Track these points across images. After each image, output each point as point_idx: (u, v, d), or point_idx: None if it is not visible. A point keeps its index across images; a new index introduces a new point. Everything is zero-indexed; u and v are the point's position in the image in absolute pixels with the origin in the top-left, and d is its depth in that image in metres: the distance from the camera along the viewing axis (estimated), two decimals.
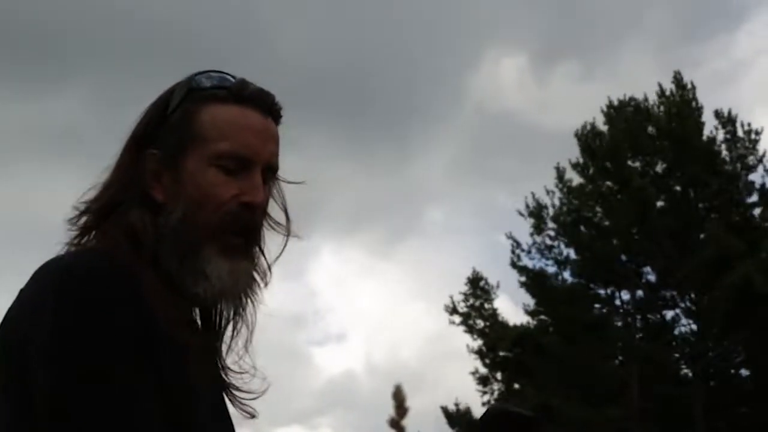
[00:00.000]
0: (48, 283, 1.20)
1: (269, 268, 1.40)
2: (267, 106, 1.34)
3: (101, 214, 1.31)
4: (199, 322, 1.38)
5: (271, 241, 1.40)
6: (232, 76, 1.36)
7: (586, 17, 33.92)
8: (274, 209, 1.40)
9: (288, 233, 1.40)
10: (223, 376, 1.39)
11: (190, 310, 1.34)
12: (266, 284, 1.39)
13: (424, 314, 34.34)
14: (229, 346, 1.39)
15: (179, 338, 1.22)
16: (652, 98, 21.24)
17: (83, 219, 1.32)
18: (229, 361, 1.39)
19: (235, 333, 1.38)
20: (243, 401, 1.40)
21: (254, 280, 1.37)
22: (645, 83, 27.52)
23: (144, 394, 1.16)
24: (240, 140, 1.30)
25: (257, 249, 1.37)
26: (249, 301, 1.38)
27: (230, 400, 1.40)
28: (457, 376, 30.85)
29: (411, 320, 34.05)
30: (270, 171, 1.34)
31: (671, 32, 33.00)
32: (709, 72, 30.63)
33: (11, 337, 1.21)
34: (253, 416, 1.42)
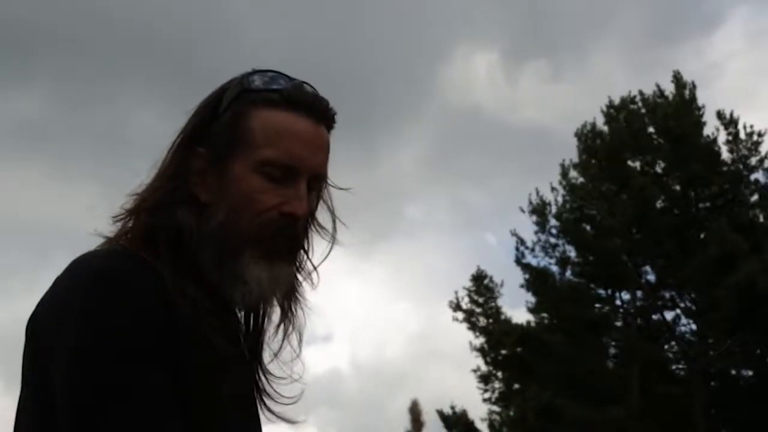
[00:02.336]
0: (79, 282, 1.19)
1: (315, 270, 1.38)
2: (320, 113, 1.32)
3: (146, 212, 1.29)
4: (242, 323, 1.36)
5: (317, 244, 1.40)
6: (288, 78, 1.33)
7: (556, 17, 34.08)
8: (321, 213, 1.39)
9: (333, 239, 1.39)
10: (261, 379, 1.38)
11: (230, 312, 1.32)
12: (314, 287, 1.38)
13: (406, 313, 34.52)
14: (276, 351, 1.37)
15: (215, 350, 1.20)
16: (652, 97, 21.23)
17: (129, 217, 1.31)
18: (271, 365, 1.38)
19: (284, 338, 1.37)
20: (277, 410, 1.38)
21: (297, 284, 1.35)
22: (615, 84, 27.75)
23: (168, 398, 1.15)
24: (287, 149, 1.28)
25: (300, 253, 1.35)
26: (296, 305, 1.37)
27: (263, 405, 1.38)
28: (440, 375, 30.91)
29: (394, 319, 34.15)
30: (317, 179, 1.32)
31: (642, 34, 33.18)
32: (683, 74, 30.72)
33: (39, 330, 1.21)
34: (293, 422, 1.40)
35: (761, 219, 20.17)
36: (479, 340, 21.50)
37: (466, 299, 21.66)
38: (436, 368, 31.02)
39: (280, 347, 1.37)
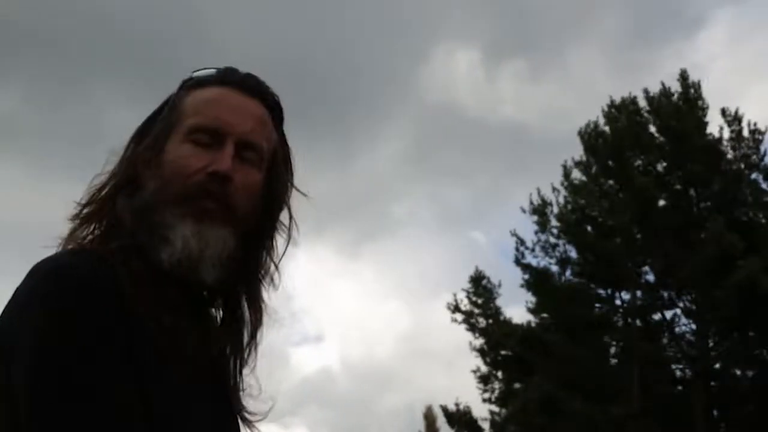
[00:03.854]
0: (36, 285, 1.20)
1: (276, 267, 1.38)
2: (250, 87, 1.36)
3: (95, 207, 1.33)
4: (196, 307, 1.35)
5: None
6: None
7: (537, 16, 34.16)
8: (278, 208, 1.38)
9: (289, 231, 1.39)
10: (228, 373, 1.37)
11: (180, 299, 1.29)
12: (275, 285, 1.38)
13: (396, 312, 34.58)
14: (233, 345, 1.37)
15: (163, 326, 1.21)
16: (655, 96, 21.22)
17: (83, 213, 1.34)
18: (233, 359, 1.37)
19: (237, 330, 1.36)
20: (249, 403, 1.38)
21: (232, 248, 1.30)
22: (595, 83, 27.86)
23: (126, 401, 1.15)
24: (211, 114, 1.32)
25: (236, 224, 1.31)
26: (252, 297, 1.36)
27: (236, 402, 1.38)
28: (430, 374, 30.97)
29: (384, 318, 34.24)
30: (248, 147, 1.32)
31: (622, 34, 33.26)
32: (664, 76, 30.88)
33: (1, 338, 1.20)
34: (260, 419, 1.40)
35: (761, 218, 20.14)
36: (479, 341, 21.54)
37: (465, 301, 21.71)
38: (427, 367, 31.14)
39: (239, 341, 1.37)
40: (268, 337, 1.39)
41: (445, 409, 21.47)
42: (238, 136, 1.31)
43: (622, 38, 33.58)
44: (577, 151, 21.58)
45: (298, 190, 1.40)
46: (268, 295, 1.38)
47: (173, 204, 1.28)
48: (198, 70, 1.39)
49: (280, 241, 1.39)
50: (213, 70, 1.38)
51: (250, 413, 1.39)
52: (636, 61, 31.18)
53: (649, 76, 35.46)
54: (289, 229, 1.39)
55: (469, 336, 21.72)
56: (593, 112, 29.30)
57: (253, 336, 1.37)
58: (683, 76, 21.19)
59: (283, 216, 1.40)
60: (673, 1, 35.69)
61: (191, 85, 1.37)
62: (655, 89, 21.35)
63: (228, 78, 1.36)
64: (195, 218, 1.27)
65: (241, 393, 1.38)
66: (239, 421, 1.38)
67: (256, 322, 1.37)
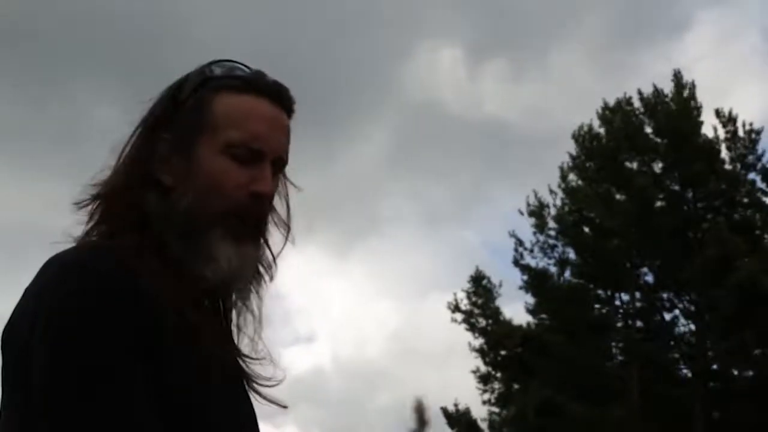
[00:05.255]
0: (50, 281, 1.20)
1: (275, 261, 1.40)
2: (280, 97, 1.35)
3: (111, 197, 1.31)
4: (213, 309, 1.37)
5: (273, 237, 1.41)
6: (247, 67, 1.37)
7: (520, 15, 34.11)
8: (278, 204, 1.40)
9: (288, 230, 1.41)
10: (242, 364, 1.38)
11: (200, 296, 1.32)
12: (272, 278, 1.40)
13: (386, 311, 34.51)
14: (240, 335, 1.39)
15: (188, 321, 1.21)
16: (649, 97, 21.24)
17: (94, 204, 1.32)
18: (245, 348, 1.39)
19: (241, 321, 1.38)
20: (265, 392, 1.39)
21: (258, 270, 1.37)
22: (577, 83, 27.85)
23: (144, 393, 1.15)
24: (251, 130, 1.31)
25: (263, 240, 1.37)
26: (255, 291, 1.38)
27: (253, 392, 1.38)
28: (420, 373, 30.90)
29: (375, 317, 34.16)
30: (279, 164, 1.35)
31: (606, 35, 33.26)
32: (650, 77, 30.96)
33: (16, 336, 1.20)
34: (283, 406, 1.41)
35: (758, 219, 20.15)
36: (478, 341, 21.53)
37: (465, 300, 21.70)
38: (417, 366, 31.09)
39: (241, 330, 1.39)
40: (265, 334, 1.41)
41: (444, 410, 21.47)
42: (274, 154, 1.33)
43: (604, 38, 33.58)
44: (561, 150, 21.63)
45: (293, 185, 1.41)
46: (267, 286, 1.40)
47: (214, 220, 1.28)
48: (214, 63, 1.36)
49: (278, 236, 1.41)
50: (239, 69, 1.36)
51: (263, 378, 1.38)
52: (618, 62, 31.24)
53: (632, 77, 35.54)
54: (289, 226, 1.41)
55: (461, 335, 21.74)
56: (575, 112, 29.61)
57: (261, 327, 1.39)
58: (677, 77, 21.21)
59: (282, 211, 1.41)
60: (656, 1, 35.67)
61: (220, 87, 1.33)
62: (635, 90, 21.40)
63: (261, 86, 1.34)
64: (235, 238, 1.29)
65: (254, 379, 1.38)
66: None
67: (260, 313, 1.39)
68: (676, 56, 31.67)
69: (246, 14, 33.26)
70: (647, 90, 21.32)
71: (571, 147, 21.50)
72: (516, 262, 21.29)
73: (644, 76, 33.01)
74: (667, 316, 21.18)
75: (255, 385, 1.38)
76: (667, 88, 21.27)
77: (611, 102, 21.54)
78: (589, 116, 21.56)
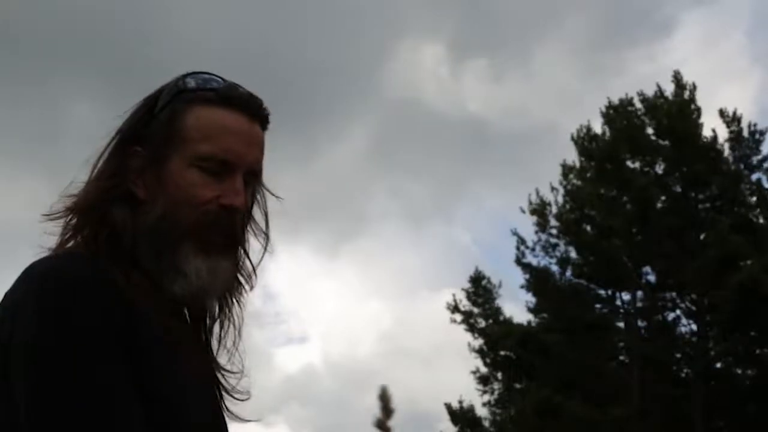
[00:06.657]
0: (30, 287, 1.20)
1: (254, 271, 1.40)
2: (254, 110, 1.35)
3: (84, 211, 1.31)
4: (188, 319, 1.38)
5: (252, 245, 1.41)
6: (222, 79, 1.36)
7: (502, 14, 34.14)
8: (256, 214, 1.41)
9: (267, 239, 1.41)
10: (218, 376, 1.40)
11: (177, 307, 1.33)
12: (251, 287, 1.40)
13: (376, 311, 34.58)
14: (219, 346, 1.40)
15: (166, 333, 1.22)
16: (651, 98, 21.20)
17: (67, 215, 1.32)
18: (221, 360, 1.40)
19: (222, 333, 1.39)
20: (234, 409, 1.40)
21: (237, 280, 1.38)
22: (559, 82, 27.90)
23: (125, 398, 1.16)
24: (222, 143, 1.30)
25: (240, 251, 1.38)
26: (234, 301, 1.39)
27: (224, 403, 1.40)
28: (411, 372, 30.95)
29: (365, 317, 34.23)
30: (252, 175, 1.35)
31: (590, 35, 33.24)
32: (632, 77, 30.88)
33: None
34: (246, 421, 1.42)
35: (761, 219, 20.13)
36: (478, 342, 21.53)
37: (464, 301, 21.71)
38: (408, 365, 31.16)
39: (220, 341, 1.40)
40: (251, 336, 1.42)
41: (448, 407, 21.51)
42: (246, 167, 1.32)
43: (586, 38, 33.66)
44: (547, 149, 21.61)
45: (272, 194, 1.41)
46: (248, 296, 1.41)
47: (184, 234, 1.28)
48: (188, 75, 1.35)
49: (256, 244, 1.41)
50: (214, 81, 1.35)
51: (237, 393, 1.41)
52: (600, 62, 31.27)
53: (614, 77, 35.53)
54: (267, 236, 1.41)
55: (453, 333, 21.83)
56: (556, 111, 29.70)
57: (238, 336, 1.40)
58: (677, 77, 21.17)
59: (259, 219, 1.42)
60: (639, 2, 35.65)
61: (193, 99, 1.33)
62: (620, 91, 21.52)
63: (233, 99, 1.33)
64: (205, 252, 1.29)
65: (229, 392, 1.40)
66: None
67: (239, 323, 1.40)
68: (660, 57, 31.65)
69: (227, 12, 33.26)
70: (630, 92, 21.35)
71: (553, 146, 21.48)
72: (518, 261, 21.30)
73: (626, 76, 33.06)
74: (669, 316, 21.19)
75: (227, 399, 1.39)
76: (651, 89, 21.25)
77: (609, 103, 21.50)
78: (570, 116, 21.54)
